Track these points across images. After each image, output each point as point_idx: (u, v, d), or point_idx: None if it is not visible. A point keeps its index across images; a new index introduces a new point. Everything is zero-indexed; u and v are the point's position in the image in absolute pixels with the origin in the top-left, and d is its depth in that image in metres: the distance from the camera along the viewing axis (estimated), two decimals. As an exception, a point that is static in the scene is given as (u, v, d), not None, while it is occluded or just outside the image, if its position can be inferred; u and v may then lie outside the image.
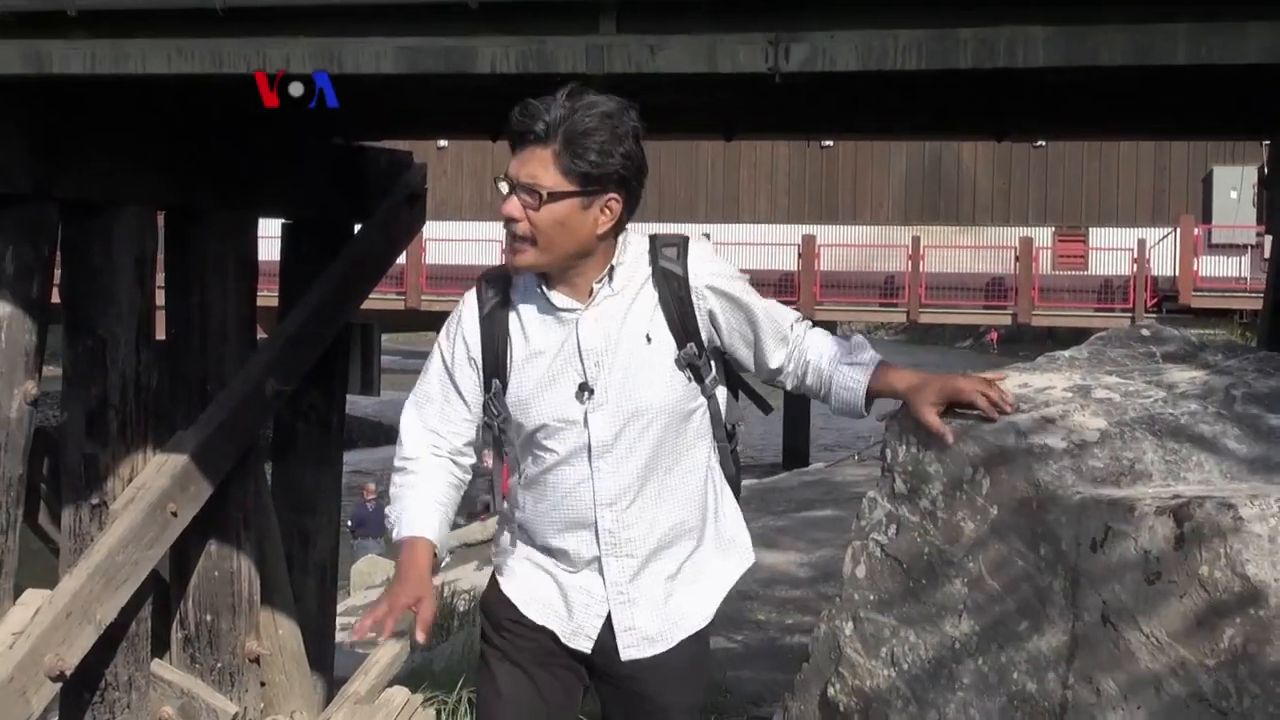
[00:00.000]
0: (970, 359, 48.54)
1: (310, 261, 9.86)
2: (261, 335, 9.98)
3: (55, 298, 8.04)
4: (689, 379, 3.40)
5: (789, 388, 3.55)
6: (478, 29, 6.30)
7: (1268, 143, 10.76)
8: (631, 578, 3.43)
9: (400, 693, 8.51)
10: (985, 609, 3.48)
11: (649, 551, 3.43)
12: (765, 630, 9.04)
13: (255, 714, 9.17)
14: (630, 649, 3.46)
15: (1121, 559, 3.24)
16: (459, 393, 3.50)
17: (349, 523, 21.66)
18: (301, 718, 9.46)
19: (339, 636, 11.79)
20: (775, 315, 3.49)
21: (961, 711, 3.50)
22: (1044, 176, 36.43)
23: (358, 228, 10.21)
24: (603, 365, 3.36)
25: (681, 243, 3.43)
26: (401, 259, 18.77)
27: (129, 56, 6.78)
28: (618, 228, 3.38)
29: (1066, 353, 4.04)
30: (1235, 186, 33.69)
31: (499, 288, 3.48)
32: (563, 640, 3.48)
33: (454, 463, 3.56)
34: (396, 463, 3.58)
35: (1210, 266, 33.41)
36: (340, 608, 12.82)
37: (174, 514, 8.32)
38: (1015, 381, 3.75)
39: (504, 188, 3.32)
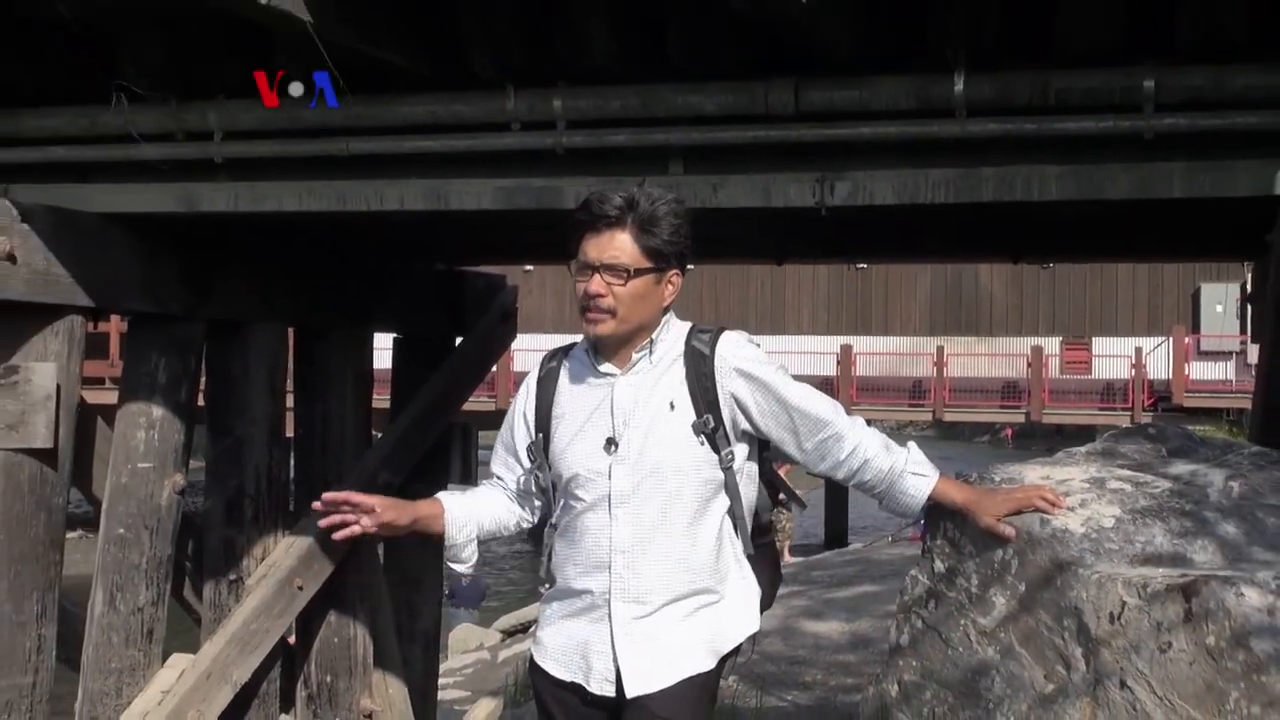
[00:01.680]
0: (989, 452, 48.05)
1: (418, 371, 9.93)
2: (375, 434, 10.03)
3: (200, 401, 8.13)
4: (707, 449, 3.30)
5: (840, 477, 3.38)
6: (564, 171, 6.37)
7: (1251, 264, 10.69)
8: (637, 618, 3.29)
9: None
10: (1016, 675, 3.44)
11: (659, 603, 3.29)
12: (813, 690, 8.92)
13: (369, 763, 9.14)
14: (632, 682, 3.28)
15: (1137, 630, 3.20)
16: (516, 444, 3.52)
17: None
18: (409, 766, 9.43)
19: (440, 695, 11.74)
20: (811, 396, 3.36)
21: (996, 766, 3.45)
22: (1052, 293, 36.32)
23: (458, 341, 10.27)
24: (629, 424, 3.31)
25: (716, 330, 3.39)
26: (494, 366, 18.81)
27: (265, 197, 6.90)
28: (672, 303, 3.38)
29: (1083, 448, 4.01)
30: (1220, 301, 33.55)
31: (558, 358, 3.53)
32: (588, 689, 3.34)
33: (507, 495, 3.58)
34: None
35: (1200, 371, 33.23)
36: (440, 670, 12.76)
37: (300, 588, 8.36)
38: (1039, 474, 3.73)
39: (584, 269, 3.31)
